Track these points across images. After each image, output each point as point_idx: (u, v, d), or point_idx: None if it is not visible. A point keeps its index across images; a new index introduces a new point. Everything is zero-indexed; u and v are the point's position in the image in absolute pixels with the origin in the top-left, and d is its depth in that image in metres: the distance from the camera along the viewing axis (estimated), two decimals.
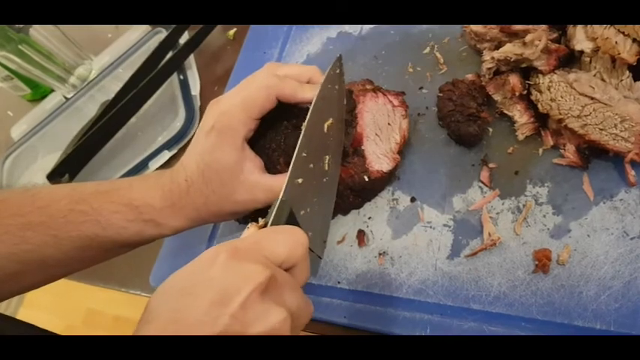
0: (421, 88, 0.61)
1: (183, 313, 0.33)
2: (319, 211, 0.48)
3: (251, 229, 0.40)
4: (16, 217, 0.48)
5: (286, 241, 0.38)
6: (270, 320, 0.33)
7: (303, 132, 0.46)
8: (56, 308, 2.20)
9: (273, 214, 0.41)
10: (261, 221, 0.41)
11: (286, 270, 0.38)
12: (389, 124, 0.56)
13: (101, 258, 0.54)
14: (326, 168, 0.50)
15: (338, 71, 0.53)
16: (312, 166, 0.47)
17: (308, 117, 0.47)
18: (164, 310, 0.34)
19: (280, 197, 0.42)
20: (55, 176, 0.81)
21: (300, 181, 0.45)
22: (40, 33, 0.97)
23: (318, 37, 0.74)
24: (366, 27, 0.70)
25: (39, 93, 1.12)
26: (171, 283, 0.35)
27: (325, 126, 0.50)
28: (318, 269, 0.55)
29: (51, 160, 0.87)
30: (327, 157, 0.50)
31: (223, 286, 0.33)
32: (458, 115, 0.53)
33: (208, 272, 0.34)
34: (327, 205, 0.51)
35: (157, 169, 0.81)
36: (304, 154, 0.46)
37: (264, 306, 0.34)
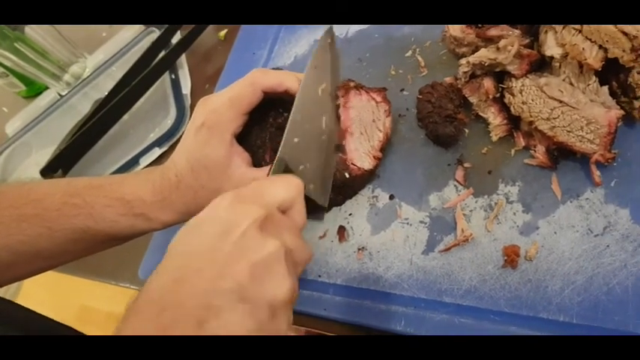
0: (402, 90, 0.63)
1: (193, 246, 0.38)
2: (319, 164, 0.53)
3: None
4: (11, 209, 0.50)
5: (281, 186, 0.42)
6: (265, 248, 0.37)
7: (296, 98, 0.50)
8: (50, 304, 2.21)
9: (271, 170, 0.46)
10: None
11: (285, 212, 0.42)
12: (374, 120, 0.58)
13: (93, 250, 0.55)
14: (323, 127, 0.54)
15: (329, 41, 0.57)
16: (307, 126, 0.51)
17: (301, 84, 0.51)
18: (179, 245, 0.39)
19: (278, 155, 0.47)
20: (48, 172, 0.83)
21: (296, 140, 0.49)
22: (36, 31, 0.99)
23: (306, 40, 0.77)
24: (352, 30, 0.72)
25: (34, 90, 1.14)
26: (187, 225, 0.40)
27: (319, 90, 0.54)
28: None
29: (44, 156, 0.89)
30: (324, 117, 0.54)
31: (226, 221, 0.38)
32: (436, 117, 0.55)
33: (214, 212, 0.39)
34: (328, 159, 0.55)
35: (148, 165, 0.83)
36: (299, 118, 0.50)
37: (262, 238, 0.37)
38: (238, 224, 0.37)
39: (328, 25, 0.58)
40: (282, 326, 0.38)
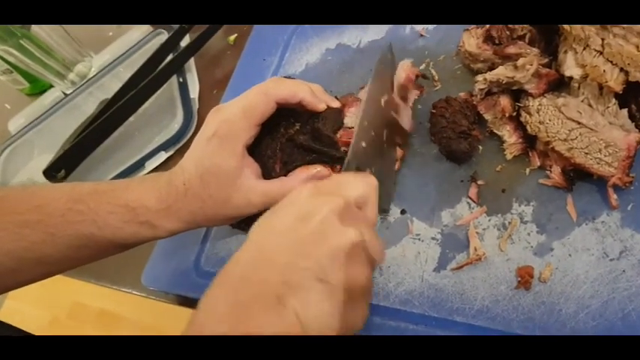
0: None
1: (273, 227, 0.40)
2: (382, 171, 0.55)
3: None
4: (14, 215, 0.50)
5: (360, 183, 0.44)
6: (346, 236, 0.38)
7: (363, 104, 0.53)
8: (42, 301, 2.19)
9: (343, 170, 0.50)
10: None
11: (360, 208, 0.42)
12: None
13: (97, 257, 0.55)
14: (384, 138, 0.56)
15: (390, 56, 0.60)
16: (373, 133, 0.53)
17: (367, 91, 0.54)
18: (259, 228, 0.41)
19: (348, 158, 0.50)
20: (51, 172, 0.81)
21: (363, 144, 0.52)
22: (42, 29, 0.98)
23: (317, 48, 0.76)
24: (364, 40, 0.72)
25: (38, 87, 1.13)
26: (267, 212, 0.42)
27: (382, 101, 0.56)
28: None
29: (47, 155, 0.87)
30: (385, 130, 0.56)
31: (306, 208, 0.39)
32: (449, 132, 0.55)
33: (294, 201, 0.41)
34: (390, 167, 0.58)
35: (153, 169, 0.82)
36: (365, 123, 0.52)
37: (342, 226, 0.38)
38: (318, 211, 0.38)
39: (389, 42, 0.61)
40: (358, 320, 0.39)
